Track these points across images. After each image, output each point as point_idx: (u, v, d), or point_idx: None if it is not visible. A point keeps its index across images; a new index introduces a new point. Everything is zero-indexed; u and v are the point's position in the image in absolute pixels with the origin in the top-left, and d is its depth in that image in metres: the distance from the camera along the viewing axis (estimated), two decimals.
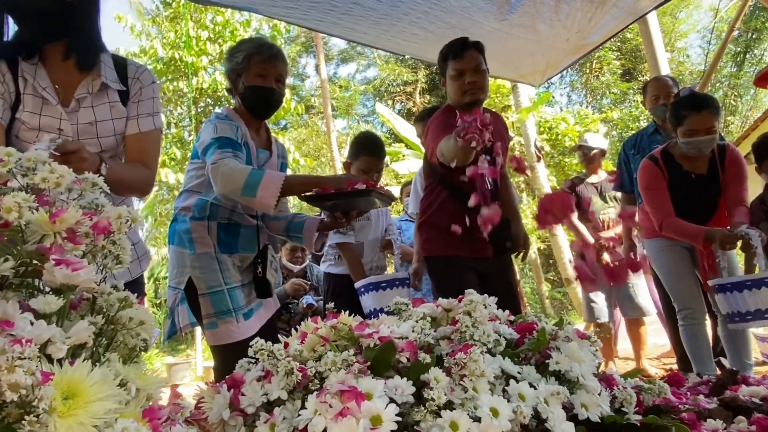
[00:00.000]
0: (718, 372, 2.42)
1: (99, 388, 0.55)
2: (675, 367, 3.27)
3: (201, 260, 1.66)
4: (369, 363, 0.80)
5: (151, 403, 0.65)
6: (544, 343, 0.92)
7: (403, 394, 0.75)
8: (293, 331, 0.91)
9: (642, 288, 3.47)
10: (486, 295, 1.04)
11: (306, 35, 16.59)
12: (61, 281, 0.56)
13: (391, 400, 0.73)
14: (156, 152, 1.50)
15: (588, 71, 15.36)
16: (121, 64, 1.44)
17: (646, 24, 4.85)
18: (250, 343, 0.76)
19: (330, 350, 0.81)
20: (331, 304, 0.96)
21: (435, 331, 0.92)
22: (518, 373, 0.85)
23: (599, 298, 3.55)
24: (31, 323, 0.53)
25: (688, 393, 1.28)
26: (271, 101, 1.79)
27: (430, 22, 2.89)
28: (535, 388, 0.80)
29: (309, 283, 3.22)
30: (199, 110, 8.25)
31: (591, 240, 3.46)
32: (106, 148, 1.40)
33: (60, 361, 0.55)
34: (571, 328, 1.01)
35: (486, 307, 0.99)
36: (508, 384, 0.83)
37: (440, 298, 1.04)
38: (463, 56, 2.05)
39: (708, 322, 2.52)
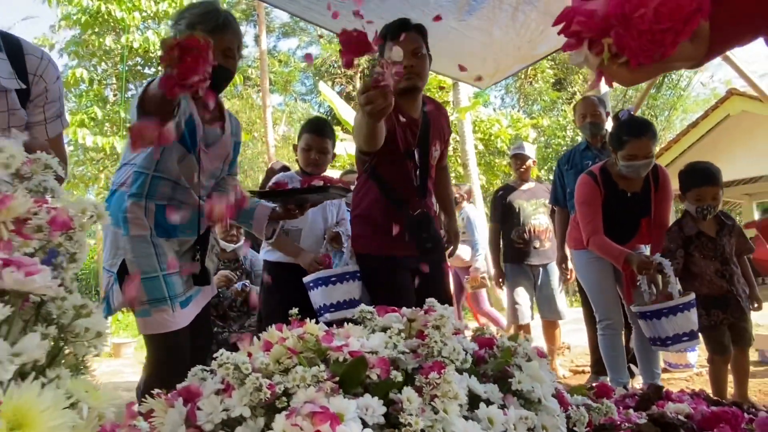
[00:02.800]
0: (631, 380, 2.60)
1: (50, 414, 0.47)
2: (586, 367, 3.50)
3: (134, 243, 1.52)
4: (338, 378, 0.76)
5: (102, 423, 0.57)
6: (507, 363, 0.92)
7: (374, 415, 0.72)
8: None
9: (561, 293, 3.67)
10: (432, 298, 1.03)
11: (247, 2, 15.84)
12: (10, 287, 0.47)
13: (362, 421, 0.70)
14: (65, 152, 1.38)
15: (523, 77, 15.89)
16: (16, 53, 1.20)
17: None
18: (214, 356, 0.69)
19: (298, 363, 0.76)
20: (295, 310, 0.90)
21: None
22: (484, 392, 0.85)
23: (523, 300, 3.69)
24: None
25: (619, 406, 1.34)
26: (217, 77, 1.51)
27: (389, 12, 2.83)
28: (503, 410, 0.80)
29: (242, 267, 3.08)
30: (127, 68, 7.66)
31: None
32: None
33: (2, 382, 0.47)
34: (529, 345, 1.03)
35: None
36: (474, 402, 0.83)
37: (404, 308, 1.01)
38: (402, 38, 1.89)
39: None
